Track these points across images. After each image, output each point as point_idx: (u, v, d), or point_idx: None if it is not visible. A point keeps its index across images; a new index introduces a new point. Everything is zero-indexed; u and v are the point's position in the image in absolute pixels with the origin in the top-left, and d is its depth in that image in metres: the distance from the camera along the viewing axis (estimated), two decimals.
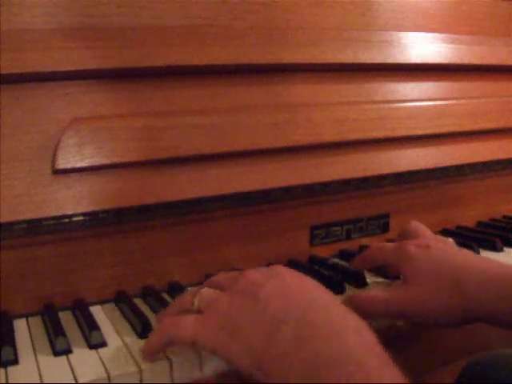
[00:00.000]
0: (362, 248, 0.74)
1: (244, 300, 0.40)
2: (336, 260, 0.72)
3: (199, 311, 0.42)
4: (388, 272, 0.62)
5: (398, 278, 0.62)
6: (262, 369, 0.37)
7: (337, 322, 0.37)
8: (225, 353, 0.39)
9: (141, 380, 0.43)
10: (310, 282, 0.43)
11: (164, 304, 0.54)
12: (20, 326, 0.52)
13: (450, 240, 0.59)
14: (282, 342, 0.37)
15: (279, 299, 0.39)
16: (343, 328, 0.37)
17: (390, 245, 0.57)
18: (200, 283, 0.63)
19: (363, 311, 0.52)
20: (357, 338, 0.36)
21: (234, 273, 0.46)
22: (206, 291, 0.44)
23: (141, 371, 0.43)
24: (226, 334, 0.39)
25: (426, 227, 0.60)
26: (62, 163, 0.52)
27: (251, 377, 0.38)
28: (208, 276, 0.63)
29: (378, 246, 0.59)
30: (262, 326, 0.38)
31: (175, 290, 0.60)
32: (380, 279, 0.63)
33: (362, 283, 0.62)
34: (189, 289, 0.48)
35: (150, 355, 0.43)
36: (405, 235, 0.60)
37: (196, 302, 0.43)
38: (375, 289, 0.57)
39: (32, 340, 0.50)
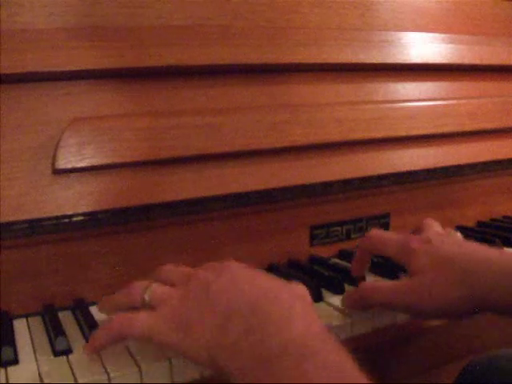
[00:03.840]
0: None
1: (196, 296, 0.40)
2: (336, 260, 0.72)
3: (150, 306, 0.42)
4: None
5: (396, 278, 0.62)
6: (217, 361, 0.38)
7: (285, 311, 0.38)
8: (180, 348, 0.40)
9: (141, 380, 0.43)
10: (260, 274, 0.43)
11: None
12: (20, 326, 0.52)
13: (458, 234, 0.59)
14: (233, 333, 0.37)
15: (230, 293, 0.40)
16: (292, 316, 0.37)
17: (393, 239, 0.55)
18: None
19: (369, 299, 0.53)
20: (305, 325, 0.37)
21: (184, 269, 0.45)
22: (157, 287, 0.43)
23: (141, 371, 0.43)
24: (180, 330, 0.39)
25: (438, 223, 0.59)
26: (62, 163, 0.52)
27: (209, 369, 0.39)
28: None
29: (379, 236, 0.57)
30: (213, 320, 0.39)
31: None
32: (380, 279, 0.63)
33: None
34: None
35: (95, 350, 0.43)
36: (414, 231, 0.59)
37: (147, 297, 0.43)
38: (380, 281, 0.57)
39: (32, 340, 0.50)
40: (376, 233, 0.57)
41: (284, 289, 0.41)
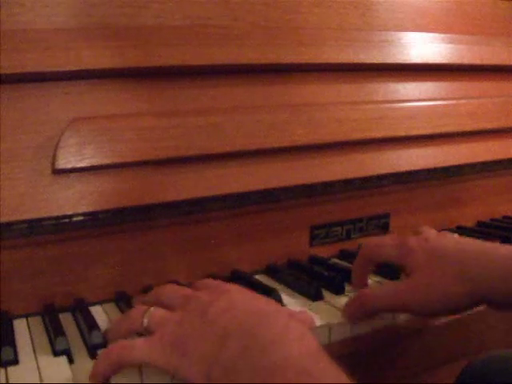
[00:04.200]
0: None
1: (193, 319, 0.41)
2: (336, 260, 0.72)
3: (148, 331, 0.42)
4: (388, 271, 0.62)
5: (397, 278, 0.62)
6: (213, 379, 0.38)
7: (280, 332, 0.38)
8: (177, 369, 0.39)
9: (141, 380, 0.43)
10: (258, 298, 0.43)
11: None
12: (20, 326, 0.52)
13: (456, 235, 0.59)
14: (230, 352, 0.37)
15: (228, 315, 0.40)
16: (286, 336, 0.38)
17: (389, 241, 0.56)
18: None
19: (369, 307, 0.52)
20: (300, 346, 0.37)
21: (183, 291, 0.45)
22: (156, 311, 0.43)
23: (141, 371, 0.43)
24: (176, 352, 0.39)
25: (432, 229, 0.59)
26: (62, 163, 0.52)
27: None
28: (208, 276, 0.64)
29: (375, 242, 0.57)
30: (211, 341, 0.39)
31: None
32: (380, 279, 0.63)
33: None
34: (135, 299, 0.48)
35: (99, 381, 0.42)
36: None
37: (145, 322, 0.43)
38: (377, 285, 0.57)
39: (32, 340, 0.50)
40: (372, 239, 0.58)
41: (281, 312, 0.42)
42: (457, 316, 0.59)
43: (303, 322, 0.45)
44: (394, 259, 0.54)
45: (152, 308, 0.43)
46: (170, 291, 0.46)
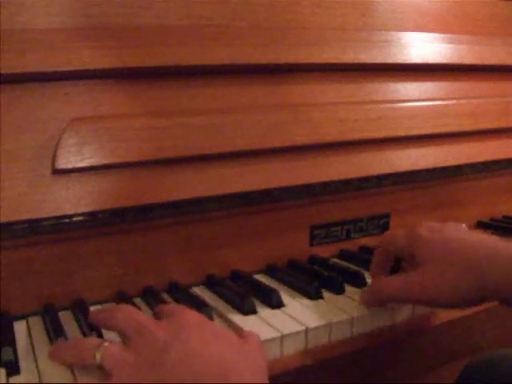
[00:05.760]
0: (362, 248, 0.74)
1: (149, 369, 0.39)
2: (336, 260, 0.72)
3: (102, 368, 0.41)
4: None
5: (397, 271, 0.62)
6: None
7: None
8: None
9: None
10: (218, 339, 0.42)
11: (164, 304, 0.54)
12: (20, 326, 0.52)
13: (463, 225, 0.59)
14: None
15: (183, 370, 0.39)
16: None
17: (401, 231, 0.56)
18: (200, 283, 0.63)
19: (385, 295, 0.53)
20: None
21: (137, 317, 0.43)
22: (110, 348, 0.41)
23: None
24: None
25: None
26: (62, 163, 0.52)
27: None
28: (208, 276, 0.64)
29: (390, 233, 0.58)
30: None
31: (175, 290, 0.60)
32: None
33: (362, 283, 0.62)
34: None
35: None
36: None
37: (98, 357, 0.41)
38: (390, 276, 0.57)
39: (32, 340, 0.50)
40: (387, 232, 0.58)
41: (240, 359, 0.41)
42: (457, 315, 0.59)
43: (252, 340, 0.44)
44: (406, 249, 0.55)
45: (106, 343, 0.42)
46: (124, 316, 0.44)
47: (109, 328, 0.45)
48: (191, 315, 0.44)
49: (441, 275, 0.50)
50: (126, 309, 0.45)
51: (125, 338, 0.42)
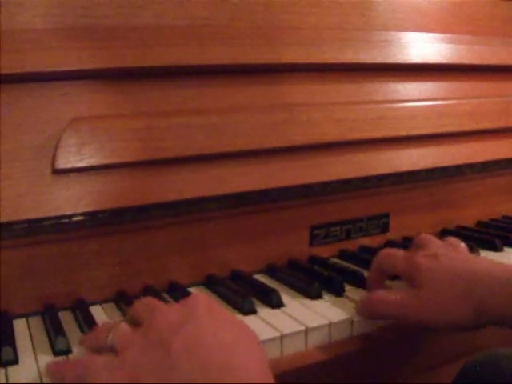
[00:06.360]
0: (362, 248, 0.74)
1: (155, 354, 0.38)
2: (336, 260, 0.72)
3: (112, 349, 0.41)
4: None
5: (396, 277, 0.62)
6: None
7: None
8: None
9: None
10: (228, 329, 0.41)
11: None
12: (20, 326, 0.52)
13: (462, 245, 0.59)
14: None
15: (191, 360, 0.38)
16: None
17: (400, 255, 0.56)
18: (200, 283, 0.63)
19: (375, 312, 0.53)
20: None
21: (148, 302, 0.44)
22: (121, 329, 0.42)
23: None
24: None
25: (434, 238, 0.59)
26: (62, 163, 0.52)
27: None
28: (208, 276, 0.64)
29: (388, 251, 0.58)
30: None
31: (175, 289, 0.60)
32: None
33: (361, 283, 0.62)
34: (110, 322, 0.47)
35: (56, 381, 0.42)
36: (413, 247, 0.60)
37: (110, 338, 0.41)
38: (383, 291, 0.57)
39: (32, 340, 0.50)
40: (385, 250, 0.59)
41: (254, 355, 0.40)
42: None
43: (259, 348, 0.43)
44: (402, 273, 0.55)
45: (121, 324, 0.42)
46: (141, 303, 0.45)
47: (131, 318, 0.44)
48: (205, 300, 0.43)
49: (438, 298, 0.50)
50: (145, 298, 0.46)
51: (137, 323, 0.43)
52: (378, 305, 0.53)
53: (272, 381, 0.39)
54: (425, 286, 0.51)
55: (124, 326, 0.42)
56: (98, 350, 0.42)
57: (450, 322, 0.50)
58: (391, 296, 0.53)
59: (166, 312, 0.42)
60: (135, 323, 0.43)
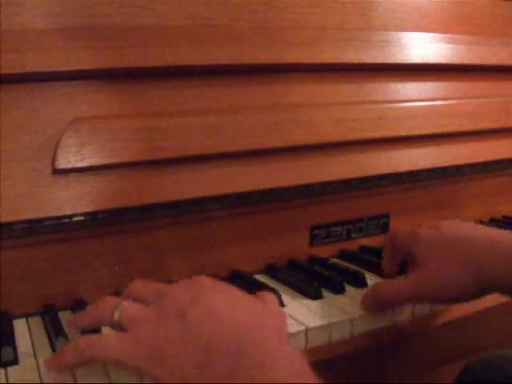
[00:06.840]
0: (362, 248, 0.74)
1: (171, 322, 0.38)
2: (336, 260, 0.72)
3: (119, 326, 0.40)
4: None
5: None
6: None
7: (270, 353, 0.37)
8: (153, 374, 0.38)
9: (141, 380, 0.43)
10: (236, 300, 0.41)
11: None
12: (20, 326, 0.52)
13: (458, 220, 0.60)
14: (216, 371, 0.36)
15: (209, 325, 0.38)
16: (276, 360, 0.36)
17: (403, 230, 0.57)
18: None
19: (386, 299, 0.53)
20: (290, 368, 0.36)
21: (156, 285, 0.44)
22: (128, 305, 0.41)
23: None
24: (154, 358, 0.37)
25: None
26: (62, 163, 0.52)
27: None
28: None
29: (394, 230, 0.60)
30: (194, 353, 0.37)
31: None
32: (380, 279, 0.63)
33: (361, 283, 0.62)
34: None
35: (60, 367, 0.41)
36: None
37: (117, 316, 0.40)
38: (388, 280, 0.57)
39: (32, 340, 0.50)
40: (392, 230, 0.59)
41: (264, 323, 0.40)
42: (457, 316, 0.59)
43: (270, 301, 0.43)
44: (405, 248, 0.56)
45: (124, 302, 0.41)
46: (142, 285, 0.44)
47: (126, 297, 0.43)
48: (208, 278, 0.43)
49: (440, 272, 0.50)
50: (140, 280, 0.45)
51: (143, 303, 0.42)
52: (386, 292, 0.53)
53: (287, 341, 0.40)
54: (425, 257, 0.52)
55: (131, 304, 0.41)
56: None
57: (453, 292, 0.50)
58: (395, 281, 0.54)
59: (175, 291, 0.41)
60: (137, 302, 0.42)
